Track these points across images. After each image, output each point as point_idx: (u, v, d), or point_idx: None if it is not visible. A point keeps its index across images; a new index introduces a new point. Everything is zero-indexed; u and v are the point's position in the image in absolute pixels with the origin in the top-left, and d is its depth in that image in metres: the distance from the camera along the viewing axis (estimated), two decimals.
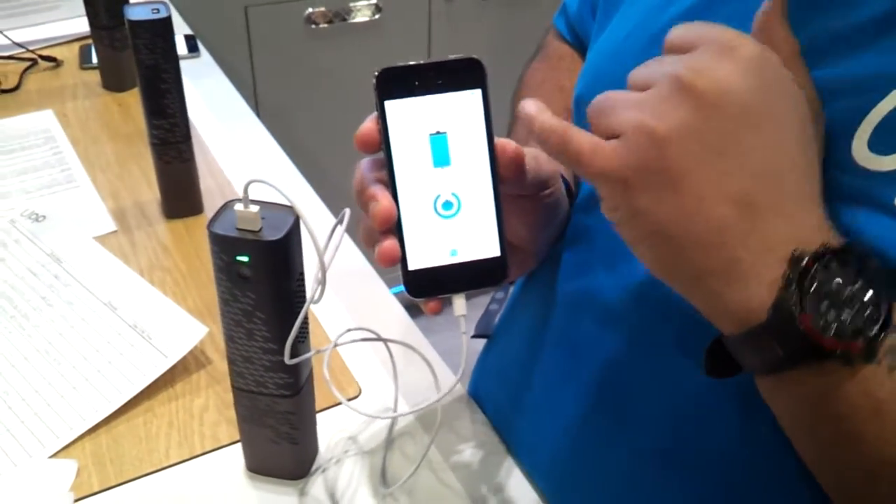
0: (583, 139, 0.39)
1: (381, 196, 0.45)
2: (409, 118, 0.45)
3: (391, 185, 0.46)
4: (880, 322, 0.34)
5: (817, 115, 0.39)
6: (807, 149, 0.37)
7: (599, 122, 0.39)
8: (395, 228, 0.46)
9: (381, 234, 0.46)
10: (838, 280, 0.35)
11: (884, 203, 0.38)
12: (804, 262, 0.35)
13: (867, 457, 0.36)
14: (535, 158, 0.49)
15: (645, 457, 0.52)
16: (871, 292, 0.35)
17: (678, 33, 0.39)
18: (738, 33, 0.37)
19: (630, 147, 0.37)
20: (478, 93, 0.45)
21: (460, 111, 0.45)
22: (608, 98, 0.39)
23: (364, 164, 0.48)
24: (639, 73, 0.39)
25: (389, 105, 0.45)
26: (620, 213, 0.39)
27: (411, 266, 0.46)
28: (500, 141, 0.46)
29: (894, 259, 0.37)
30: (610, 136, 0.38)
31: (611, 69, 0.53)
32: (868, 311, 0.35)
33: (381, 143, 0.45)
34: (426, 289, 0.47)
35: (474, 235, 0.47)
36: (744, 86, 0.35)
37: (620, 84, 0.49)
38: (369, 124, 0.46)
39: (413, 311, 0.73)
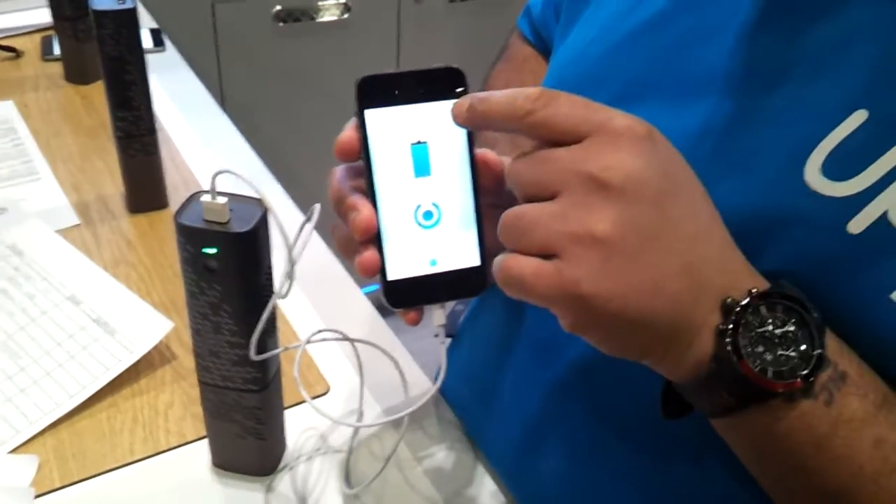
0: (523, 266, 0.37)
1: (362, 206, 0.44)
2: (390, 127, 0.44)
3: (371, 195, 0.45)
4: (814, 358, 0.36)
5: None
6: (709, 202, 0.38)
7: (523, 243, 0.38)
8: (374, 238, 0.45)
9: (360, 244, 0.45)
10: (769, 323, 0.36)
11: (835, 227, 0.38)
12: (736, 311, 0.36)
13: (814, 487, 0.38)
14: (503, 163, 0.49)
15: (612, 456, 0.52)
16: (802, 331, 0.36)
17: (559, 116, 0.37)
18: (614, 114, 0.36)
19: (573, 262, 0.36)
20: None
21: (441, 121, 0.44)
22: (522, 216, 0.38)
23: (339, 172, 0.47)
24: (530, 176, 0.38)
25: (369, 114, 0.44)
26: (581, 324, 0.38)
27: (390, 276, 0.45)
28: (480, 151, 0.46)
29: (844, 282, 0.38)
30: (541, 254, 0.37)
31: (574, 74, 0.53)
32: (803, 348, 0.36)
33: (361, 152, 0.45)
34: (405, 299, 0.46)
35: (454, 245, 0.46)
36: (649, 168, 0.35)
37: (583, 89, 0.49)
38: (349, 133, 0.45)
39: (384, 310, 0.72)
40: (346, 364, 0.67)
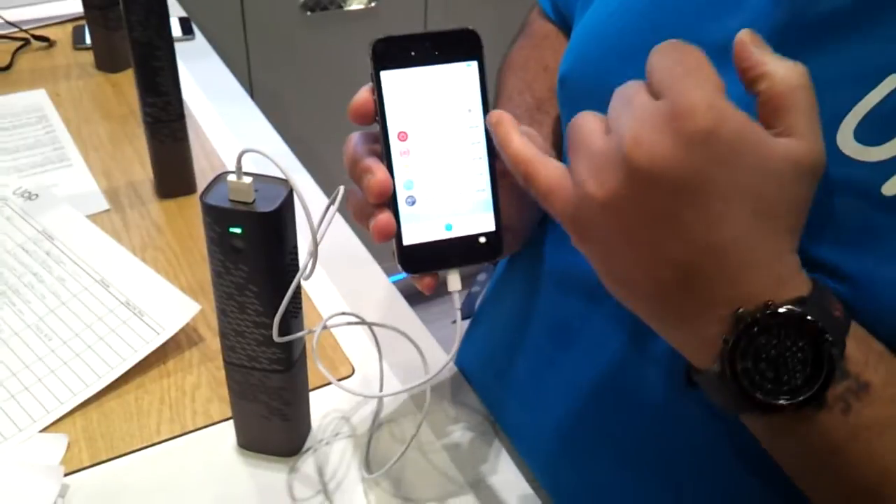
0: (544, 178, 0.39)
1: (377, 168, 0.44)
2: (405, 89, 0.44)
3: (386, 158, 0.45)
4: (821, 379, 0.35)
5: (800, 169, 0.35)
6: (766, 216, 0.35)
7: (570, 142, 0.39)
8: (389, 202, 0.45)
9: (375, 207, 0.45)
10: (775, 346, 0.35)
11: (869, 192, 0.38)
12: (740, 328, 0.35)
13: (838, 487, 0.38)
14: (527, 136, 0.49)
15: (635, 435, 0.52)
16: (811, 356, 0.35)
17: (658, 64, 0.36)
18: (701, 95, 0.34)
19: (577, 201, 0.37)
20: (474, 65, 0.45)
21: (456, 82, 0.45)
22: (580, 127, 0.38)
23: (356, 137, 0.47)
24: (613, 103, 0.38)
25: (385, 75, 0.44)
26: (580, 247, 0.40)
27: (406, 241, 0.45)
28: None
29: (881, 245, 0.37)
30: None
31: (595, 48, 0.52)
32: (809, 372, 0.35)
33: (377, 115, 0.44)
34: (421, 264, 0.46)
35: (470, 210, 0.46)
36: (680, 165, 0.34)
37: (605, 64, 0.48)
38: (364, 94, 0.45)
39: (412, 299, 0.72)
40: (370, 347, 0.67)
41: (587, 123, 0.38)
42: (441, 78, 0.45)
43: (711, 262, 0.35)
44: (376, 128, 0.45)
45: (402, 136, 0.45)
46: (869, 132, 0.38)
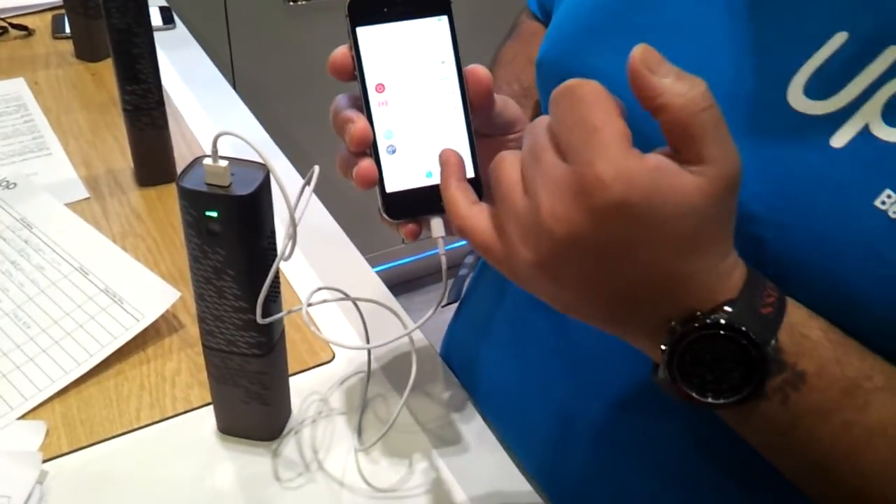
0: (480, 235, 0.40)
1: (357, 118, 0.46)
2: (380, 44, 0.47)
3: (366, 111, 0.47)
4: (756, 376, 0.36)
5: (716, 195, 0.35)
6: (692, 249, 0.35)
7: (494, 188, 0.40)
8: (371, 152, 0.47)
9: (357, 157, 0.47)
10: (713, 346, 0.36)
11: (819, 144, 0.39)
12: (676, 337, 0.37)
13: (794, 463, 0.40)
14: (504, 100, 0.50)
15: (612, 417, 0.52)
16: (742, 353, 0.36)
17: (561, 121, 0.36)
18: (605, 165, 0.33)
19: (512, 259, 0.39)
20: (444, 19, 0.47)
21: (429, 36, 0.47)
22: (499, 178, 0.39)
23: (340, 97, 0.49)
24: (524, 155, 0.38)
25: (361, 31, 0.46)
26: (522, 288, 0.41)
27: (388, 189, 0.47)
28: (469, 67, 0.48)
29: (831, 196, 0.39)
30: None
31: (568, 30, 0.54)
32: (742, 370, 0.36)
33: (355, 69, 0.46)
34: (404, 210, 0.47)
35: None
36: (598, 233, 0.34)
37: (576, 43, 0.50)
38: (342, 49, 0.47)
39: (394, 290, 0.73)
40: (351, 333, 0.67)
41: (506, 173, 0.39)
42: (414, 32, 0.47)
43: (647, 293, 0.37)
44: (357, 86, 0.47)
45: (380, 88, 0.47)
46: (817, 87, 0.40)
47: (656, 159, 0.34)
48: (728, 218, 0.36)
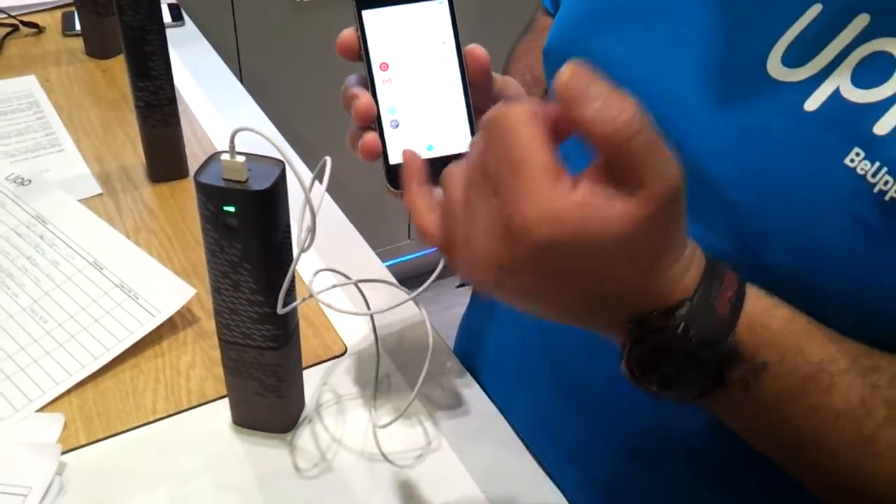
0: (436, 240, 0.41)
1: (362, 94, 0.49)
2: (384, 25, 0.50)
3: (371, 89, 0.50)
4: (713, 373, 0.37)
5: (653, 219, 0.34)
6: (636, 268, 0.36)
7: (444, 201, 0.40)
8: (375, 127, 0.50)
9: (362, 131, 0.50)
10: (672, 342, 0.37)
11: (794, 108, 0.41)
12: (632, 338, 0.38)
13: (769, 443, 0.42)
14: (505, 80, 0.53)
15: (617, 408, 0.54)
16: (705, 346, 0.37)
17: (489, 153, 0.36)
18: (529, 206, 0.33)
19: (463, 273, 0.39)
20: (445, 3, 0.51)
21: (430, 18, 0.50)
22: (446, 196, 0.39)
23: (350, 77, 0.52)
24: (467, 184, 0.38)
25: (366, 14, 0.50)
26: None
27: (392, 160, 0.50)
28: (469, 47, 0.51)
29: (803, 156, 0.41)
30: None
31: (573, 19, 0.56)
32: (702, 364, 0.37)
33: (361, 50, 0.50)
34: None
35: (448, 132, 0.51)
36: (533, 269, 0.35)
37: (579, 30, 0.53)
38: (349, 31, 0.50)
39: (403, 284, 0.73)
40: (363, 328, 0.68)
41: (451, 194, 0.39)
42: (416, 15, 0.50)
43: (597, 304, 0.37)
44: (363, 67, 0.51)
45: (384, 67, 0.50)
46: (794, 56, 0.42)
47: (584, 190, 0.33)
48: (674, 226, 0.35)
